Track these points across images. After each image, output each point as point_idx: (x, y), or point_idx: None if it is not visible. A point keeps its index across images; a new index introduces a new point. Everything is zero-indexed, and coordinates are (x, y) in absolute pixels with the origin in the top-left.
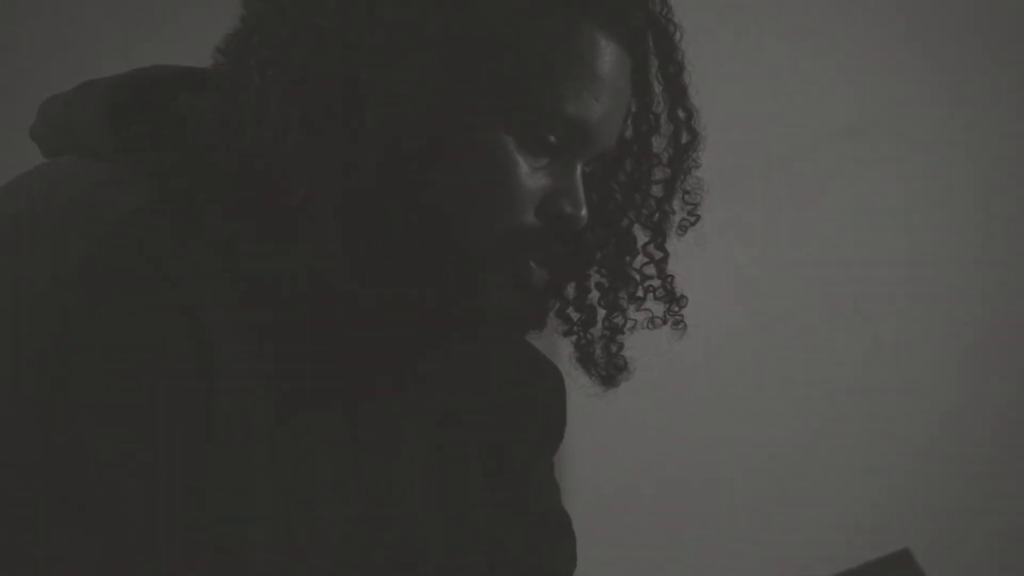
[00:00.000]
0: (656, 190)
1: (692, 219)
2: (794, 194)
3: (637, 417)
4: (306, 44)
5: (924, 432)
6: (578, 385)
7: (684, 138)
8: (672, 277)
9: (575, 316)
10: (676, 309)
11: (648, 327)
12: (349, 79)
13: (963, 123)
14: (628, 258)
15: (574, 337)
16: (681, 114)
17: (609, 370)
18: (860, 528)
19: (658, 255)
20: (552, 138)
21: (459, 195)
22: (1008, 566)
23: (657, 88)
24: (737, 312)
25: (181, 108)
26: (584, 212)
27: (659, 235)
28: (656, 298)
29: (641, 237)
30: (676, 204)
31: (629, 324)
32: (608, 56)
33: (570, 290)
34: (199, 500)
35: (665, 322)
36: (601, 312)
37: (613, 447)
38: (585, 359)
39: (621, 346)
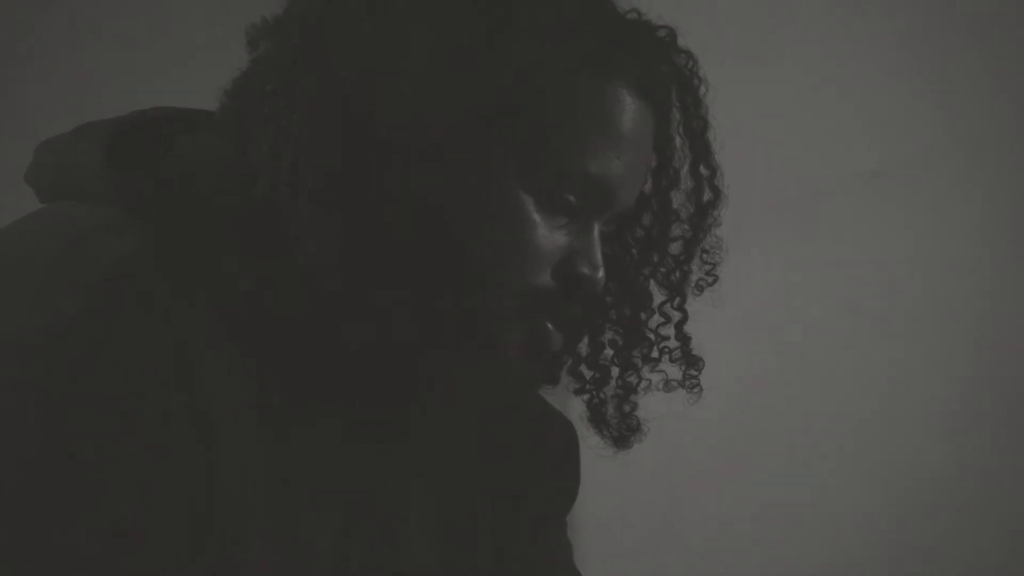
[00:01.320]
0: (675, 248)
1: (710, 279)
2: (813, 236)
3: (650, 475)
4: (324, 95)
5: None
6: (589, 445)
7: (706, 196)
8: (689, 339)
9: (588, 374)
10: (693, 373)
11: (663, 390)
12: (368, 135)
13: (981, 170)
14: (644, 316)
15: (586, 396)
16: (704, 171)
17: (622, 431)
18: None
19: (676, 316)
20: (572, 198)
21: (476, 255)
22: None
23: (679, 143)
24: (752, 357)
25: (180, 152)
26: (601, 274)
27: (677, 295)
28: (672, 360)
29: (657, 295)
30: (695, 264)
31: (643, 384)
32: (631, 113)
33: (583, 347)
34: (199, 542)
35: (681, 385)
36: (615, 371)
37: (626, 506)
38: (597, 419)
39: (635, 406)
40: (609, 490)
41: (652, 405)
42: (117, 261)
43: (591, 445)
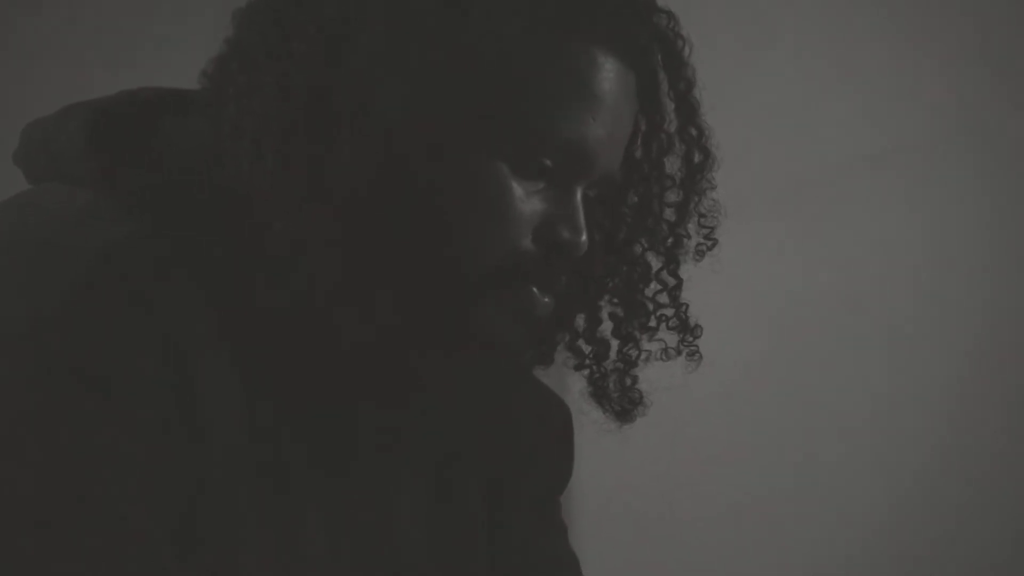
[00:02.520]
0: (669, 214)
1: (709, 243)
2: (814, 221)
3: (650, 449)
4: (283, 70)
5: (941, 457)
6: (591, 420)
7: (696, 158)
8: (686, 306)
9: (587, 349)
10: (691, 339)
11: (662, 358)
12: (327, 106)
13: (982, 153)
14: (641, 286)
15: (586, 371)
16: (693, 132)
17: (624, 404)
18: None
19: (672, 282)
20: (548, 162)
21: (449, 224)
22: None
23: (669, 106)
24: (753, 340)
25: (165, 133)
26: (584, 238)
27: (672, 262)
28: (670, 328)
29: (654, 263)
30: (691, 228)
31: (643, 356)
32: (608, 74)
33: (580, 322)
34: (190, 538)
35: (679, 353)
36: (614, 344)
37: (623, 482)
38: (599, 394)
39: (636, 379)
40: (607, 468)
41: (653, 378)
42: (104, 248)
43: (594, 420)
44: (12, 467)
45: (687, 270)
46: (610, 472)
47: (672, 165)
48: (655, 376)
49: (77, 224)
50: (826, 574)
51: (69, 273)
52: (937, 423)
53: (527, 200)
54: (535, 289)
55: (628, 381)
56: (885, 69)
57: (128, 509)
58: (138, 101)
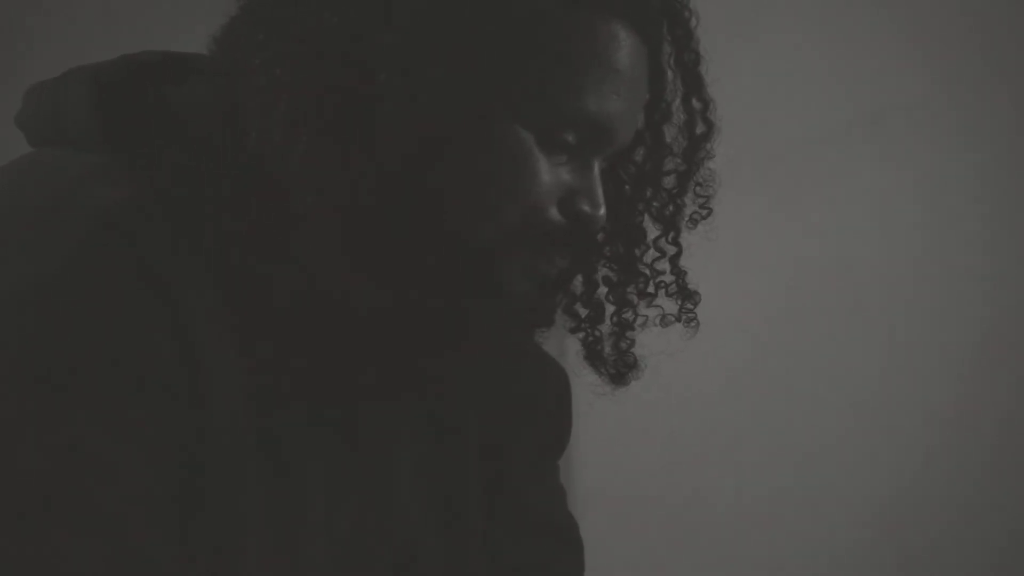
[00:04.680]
0: (668, 182)
1: (704, 212)
2: (804, 187)
3: (646, 415)
4: (316, 42)
5: (934, 427)
6: (586, 383)
7: (699, 129)
8: (685, 273)
9: (583, 312)
10: (689, 306)
11: (660, 324)
12: (363, 80)
13: (971, 117)
14: (638, 251)
15: (582, 334)
16: (697, 104)
17: (619, 368)
18: (869, 533)
19: (671, 250)
20: (571, 137)
21: (477, 193)
22: (1012, 569)
23: (670, 76)
24: (747, 306)
25: (172, 98)
26: (603, 212)
27: (672, 229)
28: (668, 294)
29: (652, 231)
30: (688, 197)
31: (639, 321)
32: (626, 48)
33: (577, 285)
34: (193, 504)
35: (678, 319)
36: (610, 308)
37: (622, 447)
38: (593, 357)
39: (631, 343)
40: (606, 433)
41: (650, 342)
42: (106, 211)
43: (588, 383)
44: (8, 445)
45: (684, 238)
46: (608, 441)
47: (671, 134)
48: (651, 342)
49: (79, 186)
50: (825, 561)
51: (70, 235)
52: (930, 382)
53: (551, 172)
54: (557, 256)
55: (624, 345)
56: (873, 33)
57: (130, 476)
58: (141, 64)
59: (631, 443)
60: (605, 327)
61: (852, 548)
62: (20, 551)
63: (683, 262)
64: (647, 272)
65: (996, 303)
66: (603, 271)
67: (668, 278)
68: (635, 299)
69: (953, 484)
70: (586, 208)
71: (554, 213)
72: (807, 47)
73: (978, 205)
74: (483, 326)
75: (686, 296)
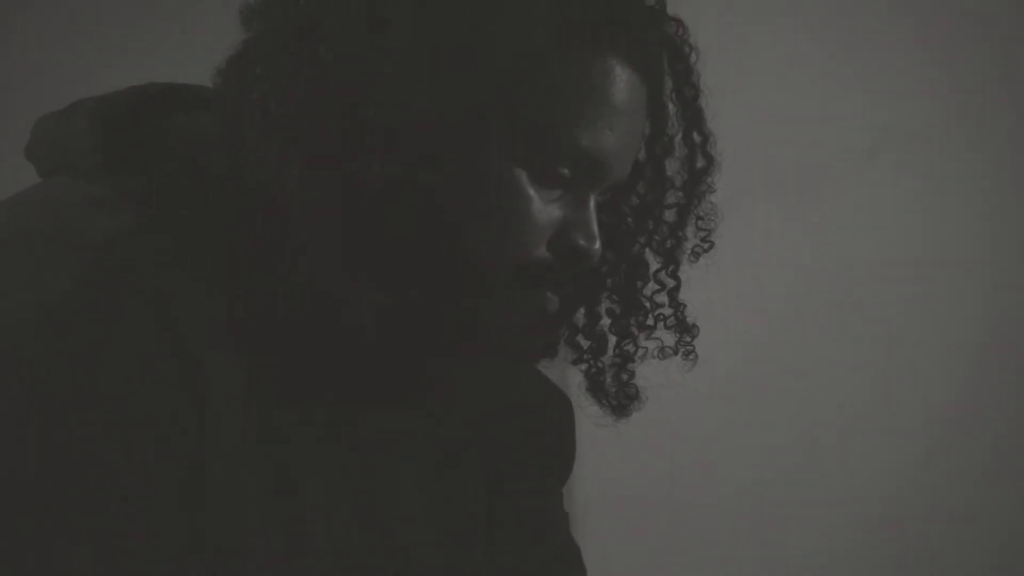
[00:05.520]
0: (669, 215)
1: (705, 246)
2: (809, 214)
3: (648, 443)
4: (309, 78)
5: (936, 438)
6: (588, 414)
7: (699, 163)
8: (684, 306)
9: (585, 344)
10: (688, 339)
11: (659, 357)
12: (355, 116)
13: (979, 143)
14: (639, 283)
15: (584, 366)
16: (697, 138)
17: (620, 399)
18: (871, 538)
19: (670, 283)
20: (566, 171)
21: (469, 231)
22: (1013, 569)
23: (671, 110)
24: (750, 316)
25: (175, 128)
26: (598, 245)
27: (672, 262)
28: (667, 327)
29: (653, 263)
30: (689, 230)
31: (640, 352)
32: (623, 83)
33: (580, 317)
34: (196, 512)
35: (676, 352)
36: (612, 340)
37: (623, 473)
38: (596, 388)
39: (632, 375)
40: (608, 461)
41: (650, 374)
42: (109, 239)
43: (590, 415)
44: (12, 457)
45: (684, 268)
46: (610, 465)
47: (671, 168)
48: (651, 373)
49: (84, 216)
50: (825, 567)
51: (74, 263)
52: (935, 418)
53: (545, 208)
54: (548, 293)
55: (625, 376)
56: (882, 59)
57: (132, 501)
58: (146, 96)
59: (632, 471)
60: (607, 359)
61: (854, 552)
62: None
63: (684, 292)
64: (647, 304)
65: (997, 311)
66: (605, 303)
67: (667, 311)
68: (636, 331)
69: (955, 487)
70: (582, 242)
71: (543, 252)
72: (811, 66)
73: (982, 221)
74: (478, 329)
75: (684, 329)
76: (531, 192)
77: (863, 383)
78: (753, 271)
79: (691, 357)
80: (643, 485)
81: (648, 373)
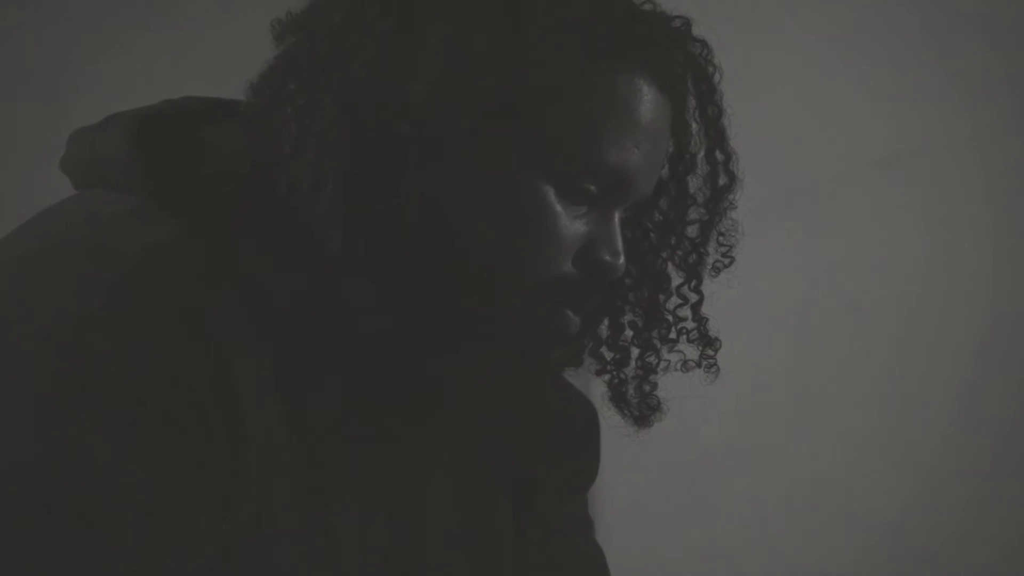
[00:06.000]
0: (691, 231)
1: (726, 261)
2: (822, 226)
3: (671, 454)
4: (343, 95)
5: (946, 448)
6: (611, 425)
7: (722, 180)
8: (706, 320)
9: (608, 355)
10: (710, 353)
11: (681, 370)
12: (388, 132)
13: (992, 157)
14: (662, 297)
15: (607, 376)
16: (719, 156)
17: (642, 410)
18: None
19: (693, 298)
20: (592, 187)
21: (497, 246)
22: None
23: (694, 128)
24: (764, 344)
25: (210, 143)
26: (622, 261)
27: (694, 277)
28: (690, 340)
29: (675, 277)
30: (711, 246)
31: (662, 364)
32: (648, 102)
33: (604, 329)
34: (227, 521)
35: (699, 365)
36: (635, 352)
37: (648, 484)
38: (618, 399)
39: (654, 386)
40: (631, 469)
41: (672, 386)
42: (144, 251)
43: (613, 424)
44: (49, 463)
45: (706, 282)
46: (632, 469)
47: (694, 185)
48: (674, 385)
49: (119, 228)
50: (839, 570)
51: (110, 274)
52: (953, 426)
53: (571, 224)
54: (569, 311)
55: (647, 388)
56: (894, 73)
57: (166, 504)
58: (180, 110)
59: (656, 476)
60: (629, 370)
61: (871, 559)
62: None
63: (705, 308)
64: (670, 318)
65: (1013, 320)
66: (629, 316)
67: (690, 324)
68: (658, 344)
69: (969, 498)
70: (606, 257)
71: (568, 268)
72: (826, 79)
73: (999, 232)
74: (502, 342)
75: (707, 343)
76: (558, 208)
77: (881, 393)
78: (770, 284)
79: (713, 370)
80: (665, 494)
81: (670, 384)
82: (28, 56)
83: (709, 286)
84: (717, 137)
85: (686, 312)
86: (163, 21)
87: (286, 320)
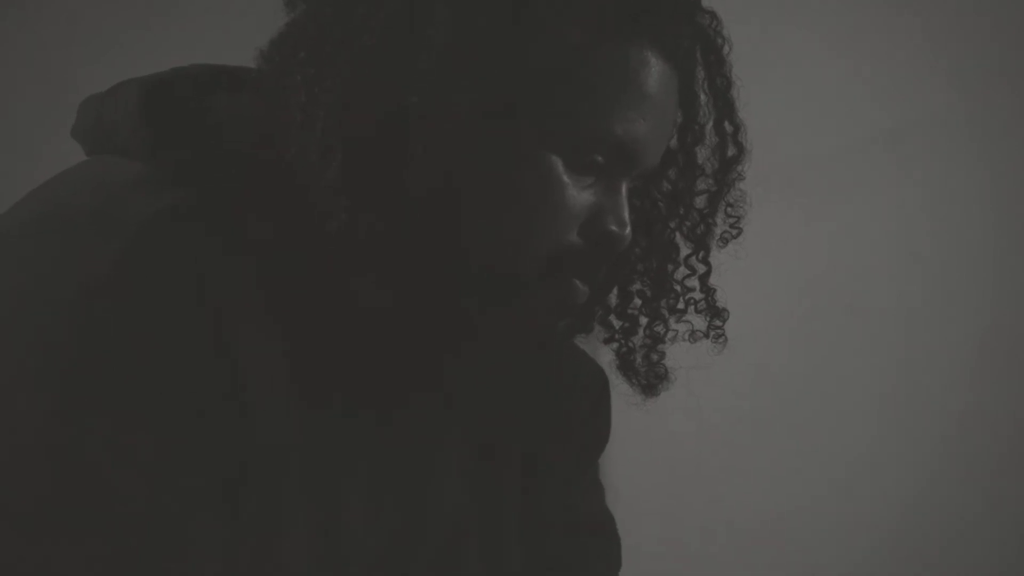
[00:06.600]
0: (700, 202)
1: (734, 232)
2: (827, 200)
3: (678, 422)
4: (353, 65)
5: (953, 436)
6: (619, 393)
7: (730, 151)
8: (714, 290)
9: (617, 324)
10: (717, 323)
11: (689, 340)
12: (397, 103)
13: (989, 133)
14: (670, 268)
15: (615, 345)
16: (728, 128)
17: (650, 379)
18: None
19: (701, 268)
20: (599, 158)
21: (506, 216)
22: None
23: (703, 100)
24: (764, 314)
25: (218, 110)
26: (628, 231)
27: (702, 248)
28: (698, 311)
29: (683, 248)
30: (719, 217)
31: (670, 334)
32: (655, 74)
33: (612, 298)
34: (231, 509)
35: (707, 335)
36: (643, 321)
37: (655, 450)
38: (626, 367)
39: (662, 355)
40: (640, 436)
41: (680, 356)
42: (149, 220)
43: (621, 392)
44: (59, 426)
45: (713, 254)
46: (640, 436)
47: (702, 156)
48: (681, 355)
49: (127, 194)
50: (846, 542)
51: (117, 241)
52: (956, 391)
53: (578, 195)
54: (577, 281)
55: (655, 357)
56: (898, 57)
57: (174, 475)
58: (188, 77)
59: (664, 443)
60: (638, 339)
61: (875, 545)
62: (24, 553)
63: (713, 279)
64: (678, 288)
65: (1013, 314)
66: (637, 286)
67: (698, 295)
68: (666, 314)
69: (975, 495)
70: (613, 227)
71: (575, 238)
72: (827, 63)
73: (995, 218)
74: (510, 315)
75: (715, 313)
76: (565, 179)
77: (890, 367)
78: (769, 272)
79: (720, 340)
80: (670, 463)
81: (678, 354)
82: (28, 56)
83: (717, 257)
84: (726, 108)
85: (694, 282)
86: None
87: (291, 293)
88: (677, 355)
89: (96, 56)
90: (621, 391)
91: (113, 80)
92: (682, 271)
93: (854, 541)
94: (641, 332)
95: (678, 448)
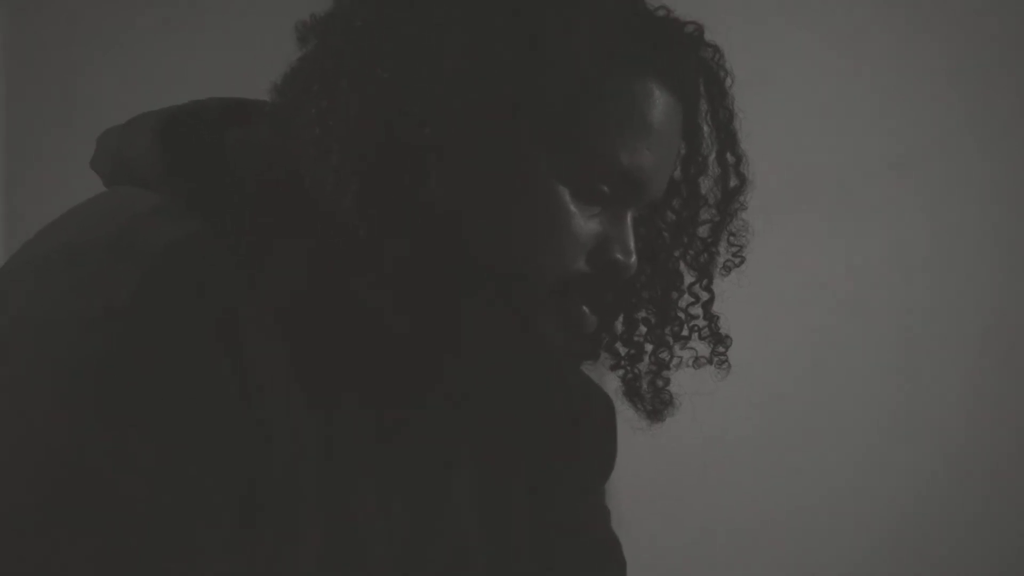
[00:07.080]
0: (703, 231)
1: (737, 260)
2: (838, 227)
3: (684, 447)
4: (366, 96)
5: (957, 445)
6: (625, 419)
7: (732, 182)
8: (718, 317)
9: (623, 351)
10: (721, 350)
11: (693, 367)
12: (409, 134)
13: (998, 160)
14: (674, 296)
15: (621, 372)
16: (730, 159)
17: (655, 404)
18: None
19: (704, 296)
20: (606, 188)
21: (515, 245)
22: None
23: (706, 131)
24: (780, 345)
25: (233, 143)
26: (634, 260)
27: (705, 276)
28: (701, 338)
29: (687, 276)
30: (722, 246)
31: (675, 361)
32: (661, 106)
33: (618, 325)
34: (246, 519)
35: (710, 362)
36: (648, 348)
37: (662, 477)
38: (632, 393)
39: (667, 381)
40: (646, 462)
41: (684, 382)
42: (171, 244)
43: (626, 418)
44: (80, 447)
45: (718, 281)
46: (646, 462)
47: (705, 186)
48: (687, 381)
49: (146, 224)
50: (847, 561)
51: (136, 270)
52: (971, 423)
53: (585, 224)
54: (584, 307)
55: (660, 383)
56: (902, 77)
57: (191, 489)
58: (205, 110)
59: (670, 469)
60: (643, 366)
61: (882, 554)
62: (24, 553)
63: (716, 306)
64: (682, 316)
65: (1017, 326)
66: (642, 313)
67: (701, 322)
68: (671, 341)
69: (975, 497)
70: (619, 255)
71: (582, 266)
72: (837, 82)
73: (1005, 244)
74: (520, 336)
75: (718, 340)
76: (572, 208)
77: (889, 389)
78: (780, 282)
79: (724, 366)
80: (676, 488)
81: (683, 380)
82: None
83: (720, 284)
84: (728, 139)
85: (698, 310)
86: (182, 23)
87: (308, 317)
88: (681, 381)
89: (112, 68)
90: (627, 417)
91: (127, 95)
92: (686, 299)
93: (854, 542)
94: (646, 359)
95: (678, 450)
